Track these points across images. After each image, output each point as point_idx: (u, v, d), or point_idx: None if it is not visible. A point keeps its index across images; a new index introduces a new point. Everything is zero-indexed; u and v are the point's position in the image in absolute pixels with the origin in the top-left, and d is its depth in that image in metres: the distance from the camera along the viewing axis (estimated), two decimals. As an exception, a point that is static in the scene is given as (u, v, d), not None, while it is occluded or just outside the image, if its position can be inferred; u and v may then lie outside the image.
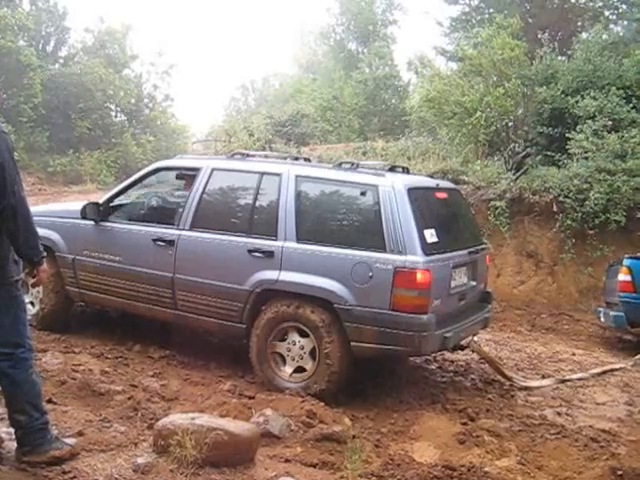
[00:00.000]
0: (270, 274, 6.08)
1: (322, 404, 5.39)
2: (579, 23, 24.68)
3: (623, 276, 9.13)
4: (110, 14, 67.03)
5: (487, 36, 16.19)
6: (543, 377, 7.27)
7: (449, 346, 6.19)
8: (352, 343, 5.82)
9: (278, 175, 6.39)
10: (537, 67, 15.72)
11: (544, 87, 14.81)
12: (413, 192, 6.04)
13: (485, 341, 8.95)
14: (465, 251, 6.59)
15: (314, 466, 4.30)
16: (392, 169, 6.82)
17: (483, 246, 7.26)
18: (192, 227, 6.56)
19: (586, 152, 12.39)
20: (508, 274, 12.35)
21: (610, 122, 12.85)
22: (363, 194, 6.07)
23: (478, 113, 14.67)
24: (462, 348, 6.87)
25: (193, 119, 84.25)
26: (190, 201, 6.67)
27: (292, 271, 6.02)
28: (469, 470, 4.40)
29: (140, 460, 3.92)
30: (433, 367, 7.39)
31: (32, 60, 27.09)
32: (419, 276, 5.69)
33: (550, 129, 14.07)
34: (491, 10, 24.56)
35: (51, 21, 31.75)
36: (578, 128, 13.03)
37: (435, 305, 5.82)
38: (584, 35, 21.14)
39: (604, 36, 18.50)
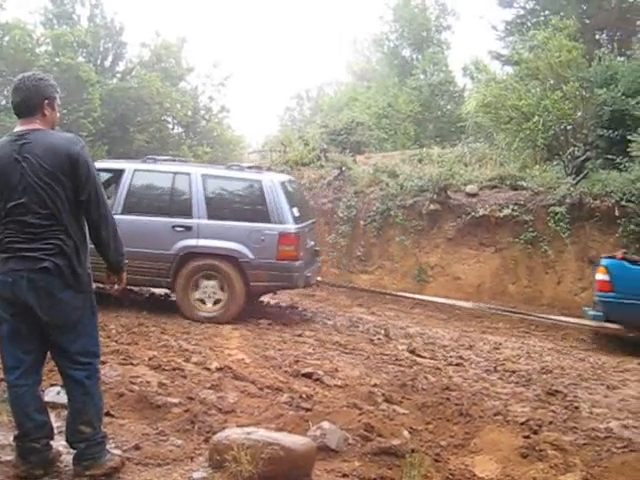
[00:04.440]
0: (191, 242, 9.06)
1: (380, 417, 5.31)
2: (638, 22, 24.14)
3: (601, 275, 9.47)
4: (166, 28, 68.21)
5: (543, 39, 15.98)
6: (608, 388, 7.05)
7: (310, 283, 9.85)
8: (251, 284, 9.00)
9: (188, 174, 9.37)
10: (596, 69, 15.42)
11: (603, 89, 14.50)
12: (283, 184, 9.40)
13: (547, 350, 8.77)
14: (309, 222, 10.10)
15: (372, 481, 4.21)
16: (250, 167, 10.14)
17: (314, 220, 10.92)
18: (122, 212, 8.94)
19: (649, 155, 12.09)
20: (569, 281, 12.12)
21: (674, 123, 12.53)
22: (251, 186, 9.33)
23: (536, 117, 14.47)
24: (310, 285, 10.37)
25: (249, 129, 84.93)
26: (119, 193, 9.21)
27: (207, 238, 9.05)
28: (532, 486, 4.26)
29: (196, 475, 3.88)
30: (494, 377, 7.24)
31: (91, 75, 27.59)
32: (293, 237, 9.07)
33: (610, 132, 13.77)
34: (547, 12, 24.17)
35: (109, 37, 32.35)
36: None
37: (302, 255, 9.28)
38: (644, 35, 20.67)
39: (665, 35, 18.07)
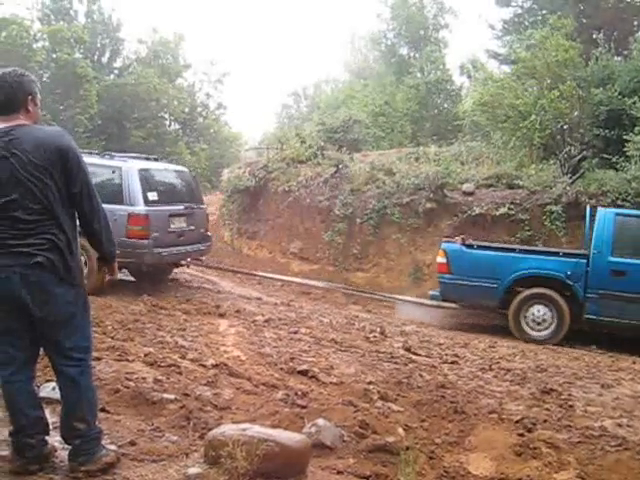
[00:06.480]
0: None
1: (375, 414, 5.32)
2: (635, 22, 24.15)
3: (440, 258, 10.32)
4: (163, 25, 68.13)
5: (541, 38, 15.97)
6: (603, 387, 7.05)
7: (165, 261, 10.92)
8: None
9: None
10: (592, 68, 15.43)
11: (600, 88, 14.52)
12: (142, 171, 10.49)
13: (542, 349, 8.80)
14: (182, 206, 11.07)
15: (367, 478, 4.20)
16: (147, 158, 11.58)
17: (201, 206, 11.94)
18: None
19: (645, 154, 12.11)
20: (565, 280, 12.08)
21: (670, 123, 12.55)
22: (114, 172, 10.34)
23: (532, 116, 14.46)
24: (181, 265, 11.96)
25: (246, 126, 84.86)
26: None
27: None
28: (526, 483, 4.26)
29: (191, 471, 3.87)
30: (489, 376, 7.25)
31: (88, 72, 27.56)
32: (142, 218, 10.10)
33: (607, 131, 13.79)
34: (544, 11, 24.15)
35: (106, 33, 32.31)
36: (636, 130, 12.76)
37: (154, 235, 10.22)
38: (641, 34, 20.68)
39: (662, 35, 18.08)
